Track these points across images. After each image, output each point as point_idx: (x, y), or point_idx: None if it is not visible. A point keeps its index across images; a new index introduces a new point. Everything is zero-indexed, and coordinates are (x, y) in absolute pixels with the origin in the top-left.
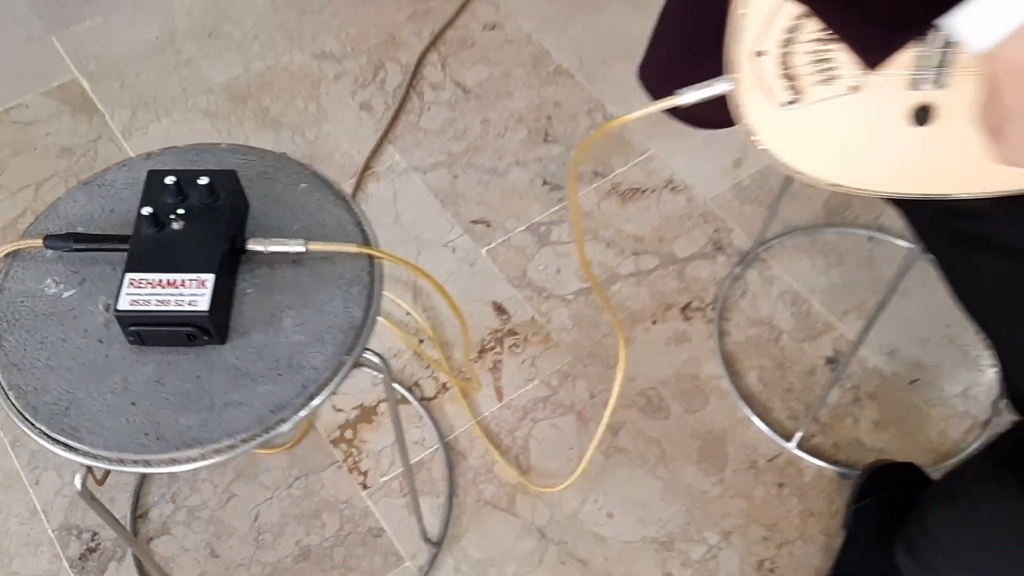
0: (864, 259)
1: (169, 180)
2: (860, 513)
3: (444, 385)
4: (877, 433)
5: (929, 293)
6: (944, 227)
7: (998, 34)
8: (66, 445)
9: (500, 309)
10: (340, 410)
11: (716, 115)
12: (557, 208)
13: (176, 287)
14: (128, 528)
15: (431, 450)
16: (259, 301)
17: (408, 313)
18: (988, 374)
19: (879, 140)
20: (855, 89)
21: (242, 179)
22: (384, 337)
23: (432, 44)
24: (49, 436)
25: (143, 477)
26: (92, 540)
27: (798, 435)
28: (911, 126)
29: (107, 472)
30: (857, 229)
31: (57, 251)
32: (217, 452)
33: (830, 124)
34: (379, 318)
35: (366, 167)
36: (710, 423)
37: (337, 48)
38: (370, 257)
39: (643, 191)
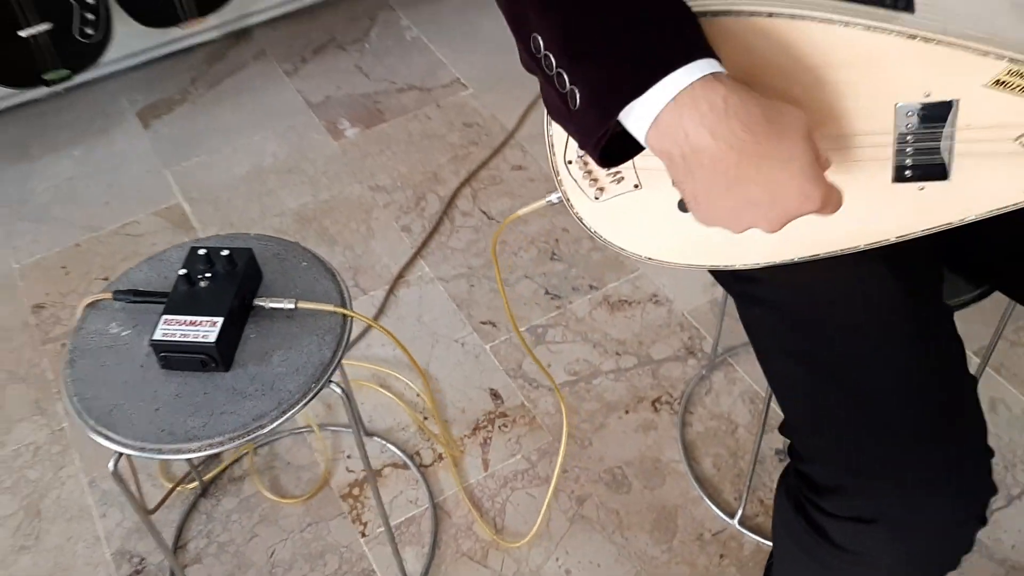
0: None
1: (201, 251)
2: None
3: (440, 455)
4: None
5: None
6: (736, 288)
7: (645, 127)
8: (106, 436)
9: (495, 395)
10: (351, 471)
11: None
12: (554, 314)
13: (195, 325)
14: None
15: (422, 508)
16: (258, 343)
17: (418, 395)
18: None
19: (667, 224)
20: (637, 187)
21: (260, 257)
22: (395, 412)
23: (467, 180)
24: (95, 429)
25: (187, 515)
26: (140, 564)
27: (740, 513)
28: (682, 212)
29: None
30: None
31: (121, 302)
32: (211, 446)
33: (632, 213)
34: (391, 396)
35: (399, 276)
36: (665, 499)
37: (389, 183)
38: (343, 316)
39: (630, 303)
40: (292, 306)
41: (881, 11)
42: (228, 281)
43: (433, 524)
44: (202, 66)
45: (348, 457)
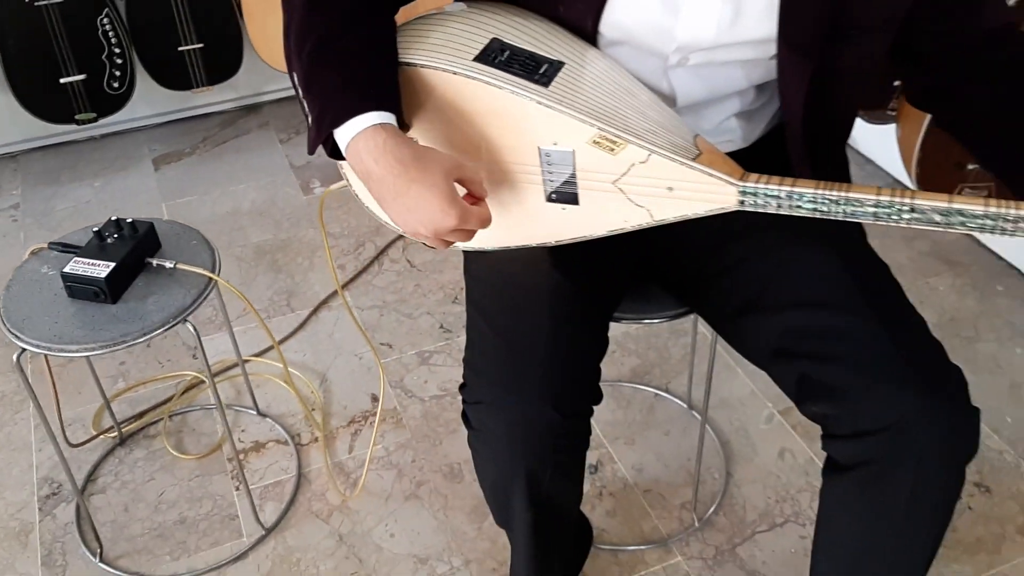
0: (646, 408)
1: (114, 219)
2: None
3: (315, 438)
4: (607, 518)
5: (674, 438)
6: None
7: (343, 148)
8: (16, 336)
9: (374, 398)
10: (242, 441)
11: None
12: (443, 343)
13: (94, 267)
14: (80, 483)
15: (290, 475)
16: (142, 289)
17: (312, 392)
18: (699, 490)
19: None
20: None
21: (163, 235)
22: (289, 402)
23: (401, 236)
24: (9, 331)
25: (103, 457)
26: (57, 487)
27: None
28: None
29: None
30: (647, 387)
31: (54, 251)
32: (86, 350)
33: None
34: (289, 389)
35: (323, 301)
36: None
37: (338, 231)
38: (209, 278)
39: None
40: (172, 265)
41: (526, 82)
42: (128, 241)
43: (294, 488)
44: (214, 129)
45: (243, 431)
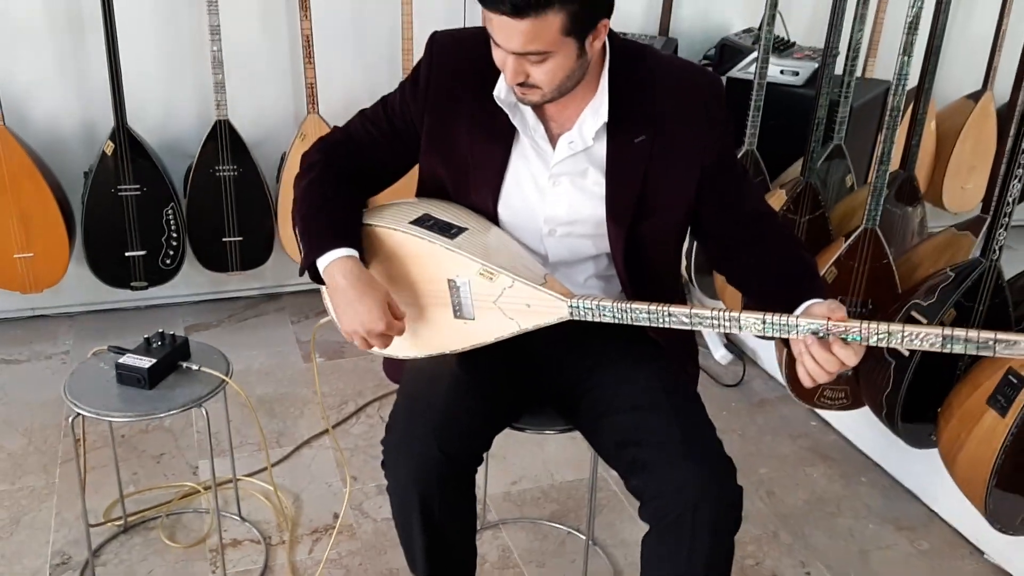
0: (559, 541)
1: (159, 332)
2: None
3: (283, 541)
4: None
5: (577, 565)
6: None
7: (322, 270)
8: (72, 402)
9: (336, 516)
10: (223, 539)
11: (397, 373)
12: None
13: (140, 360)
14: (88, 556)
15: (259, 566)
16: (173, 381)
17: (286, 507)
18: None
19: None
20: None
21: (194, 349)
22: (267, 513)
23: (380, 397)
24: (70, 400)
25: (108, 540)
26: (67, 559)
27: None
28: None
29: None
30: (561, 526)
31: (110, 352)
32: (123, 417)
33: None
34: (267, 501)
35: (306, 440)
36: None
37: (327, 390)
38: (221, 379)
39: None
40: (197, 368)
41: (441, 237)
42: (168, 347)
43: (260, 575)
44: (239, 309)
45: (225, 531)
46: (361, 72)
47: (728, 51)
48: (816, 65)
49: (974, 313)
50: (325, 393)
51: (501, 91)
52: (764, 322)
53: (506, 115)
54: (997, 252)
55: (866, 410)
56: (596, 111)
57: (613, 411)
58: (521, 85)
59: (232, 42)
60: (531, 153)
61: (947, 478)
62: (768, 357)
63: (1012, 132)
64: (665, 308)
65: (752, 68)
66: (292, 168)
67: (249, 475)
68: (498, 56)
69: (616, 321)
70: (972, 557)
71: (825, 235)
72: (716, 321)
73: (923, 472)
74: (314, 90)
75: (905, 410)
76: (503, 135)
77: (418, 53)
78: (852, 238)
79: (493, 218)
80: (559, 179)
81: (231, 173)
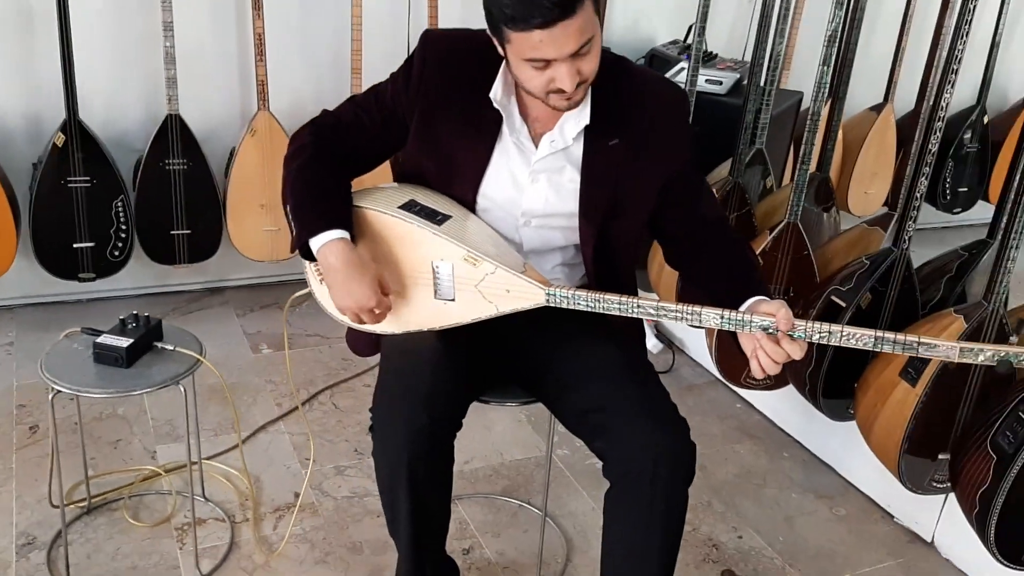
0: (511, 513)
1: (134, 313)
2: None
3: (247, 518)
4: None
5: (530, 535)
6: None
7: (316, 251)
8: (50, 380)
9: (296, 495)
10: (187, 516)
11: (366, 348)
12: (356, 461)
13: (117, 340)
14: (52, 536)
15: (225, 542)
16: (148, 361)
17: (247, 487)
18: (543, 570)
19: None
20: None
21: (167, 331)
22: (231, 492)
23: (332, 385)
24: (47, 377)
25: (74, 519)
26: (31, 539)
27: None
28: None
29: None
30: (513, 500)
31: (83, 334)
32: (97, 393)
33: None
34: (229, 483)
35: (262, 426)
36: (382, 564)
37: (278, 379)
38: (198, 360)
39: None
40: (172, 348)
41: (428, 223)
42: (142, 329)
43: (227, 550)
44: (182, 303)
45: (188, 510)
46: (308, 71)
47: (657, 61)
48: (738, 75)
49: (886, 297)
50: (276, 383)
51: (498, 93)
52: (722, 317)
53: (491, 114)
54: (907, 241)
55: (787, 391)
56: (579, 113)
57: (577, 382)
58: (578, 85)
59: (184, 38)
60: (513, 150)
61: (861, 451)
62: (695, 346)
63: (918, 137)
64: (635, 300)
65: (681, 76)
66: (242, 163)
67: (209, 458)
68: (543, 77)
69: (588, 309)
70: (884, 520)
71: (750, 230)
72: (680, 314)
73: (839, 446)
74: (265, 87)
75: (826, 386)
76: (488, 132)
77: (367, 52)
78: (776, 231)
79: (471, 207)
80: (538, 175)
81: (181, 167)
